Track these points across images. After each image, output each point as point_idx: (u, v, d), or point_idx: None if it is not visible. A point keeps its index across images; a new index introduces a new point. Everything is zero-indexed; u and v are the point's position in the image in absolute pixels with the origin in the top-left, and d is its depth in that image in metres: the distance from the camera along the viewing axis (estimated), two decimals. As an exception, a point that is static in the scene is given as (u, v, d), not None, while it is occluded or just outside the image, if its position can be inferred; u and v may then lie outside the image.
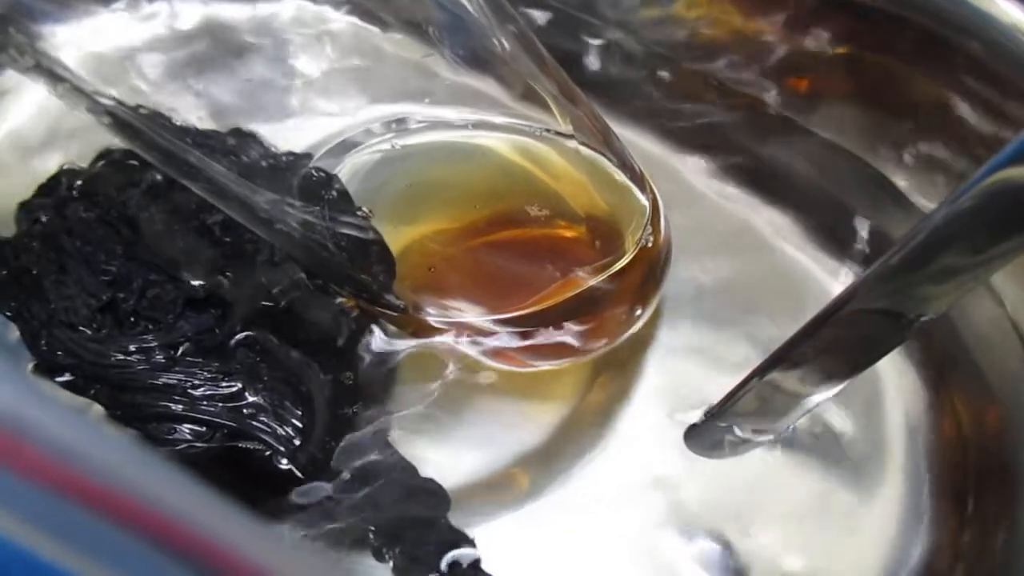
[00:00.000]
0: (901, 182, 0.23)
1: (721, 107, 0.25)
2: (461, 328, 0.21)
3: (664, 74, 0.26)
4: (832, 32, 0.23)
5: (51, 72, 0.15)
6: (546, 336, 0.20)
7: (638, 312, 0.22)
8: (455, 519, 0.19)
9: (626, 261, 0.21)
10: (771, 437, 0.20)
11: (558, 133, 0.22)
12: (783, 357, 0.18)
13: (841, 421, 0.21)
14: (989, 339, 0.21)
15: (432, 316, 0.21)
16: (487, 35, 0.20)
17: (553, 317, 0.20)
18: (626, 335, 0.22)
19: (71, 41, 0.17)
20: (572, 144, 0.22)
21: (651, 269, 0.21)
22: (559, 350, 0.21)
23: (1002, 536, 0.18)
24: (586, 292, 0.20)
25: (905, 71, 0.22)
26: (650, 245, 0.21)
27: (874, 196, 0.24)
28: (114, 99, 0.17)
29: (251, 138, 0.21)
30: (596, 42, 0.26)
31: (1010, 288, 0.21)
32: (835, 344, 0.17)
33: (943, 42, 0.21)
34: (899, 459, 0.20)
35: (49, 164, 0.23)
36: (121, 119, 0.17)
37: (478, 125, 0.22)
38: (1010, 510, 0.18)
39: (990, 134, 0.20)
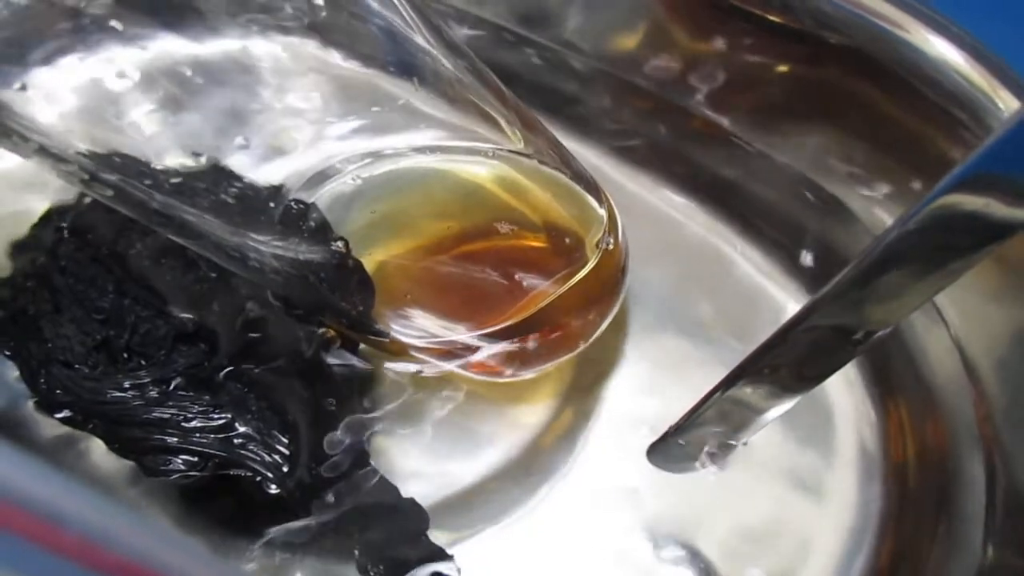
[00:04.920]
0: (851, 201, 0.24)
1: (674, 127, 0.26)
2: (443, 347, 0.22)
3: (616, 95, 0.27)
4: (774, 55, 0.24)
5: (23, 138, 0.16)
6: (528, 344, 0.22)
7: (608, 309, 0.23)
8: (435, 535, 0.20)
9: (592, 265, 0.22)
10: (729, 451, 0.21)
11: (517, 152, 0.23)
12: (743, 373, 0.19)
13: (794, 435, 0.22)
14: (933, 358, 0.22)
15: (414, 338, 0.22)
16: (445, 70, 0.21)
17: (533, 325, 0.21)
18: (601, 329, 0.23)
19: (42, 94, 0.18)
20: (529, 161, 0.22)
21: (615, 269, 0.23)
22: (542, 355, 0.22)
23: (937, 549, 0.20)
24: (560, 297, 0.21)
25: (850, 94, 0.23)
26: (611, 247, 0.22)
27: (823, 214, 0.25)
28: (87, 153, 0.17)
29: (229, 173, 0.22)
30: (542, 62, 0.27)
31: (953, 311, 0.22)
32: (792, 359, 0.18)
33: (882, 69, 0.22)
34: (849, 471, 0.21)
35: (39, 202, 0.23)
36: (97, 177, 0.17)
37: (441, 150, 0.23)
38: (947, 524, 0.20)
39: (933, 157, 0.22)
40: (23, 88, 0.16)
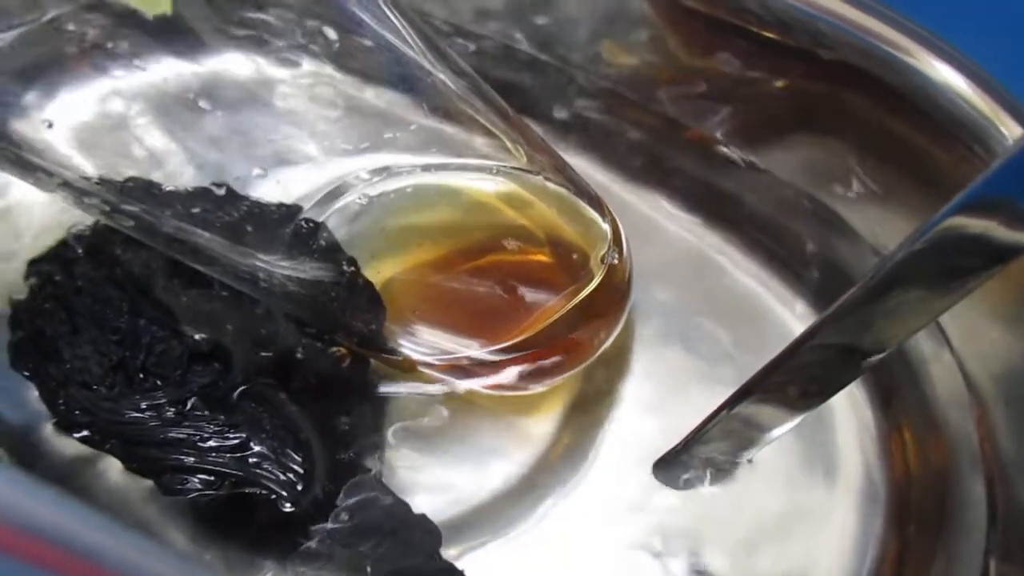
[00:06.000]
0: (854, 220, 0.25)
1: (678, 145, 0.27)
2: (453, 363, 0.22)
3: (618, 113, 0.27)
4: (774, 72, 0.24)
5: (48, 173, 0.16)
6: (535, 359, 0.22)
7: (614, 323, 0.23)
8: (447, 552, 0.21)
9: (599, 279, 0.22)
10: (734, 468, 0.22)
11: (521, 169, 0.23)
12: (749, 391, 0.19)
13: (798, 452, 0.22)
14: (936, 377, 0.23)
15: (424, 355, 0.22)
16: (450, 91, 0.22)
17: (540, 341, 0.22)
18: (607, 343, 0.23)
19: (65, 128, 0.18)
20: (534, 177, 0.23)
21: (620, 283, 0.23)
22: (549, 370, 0.22)
23: (939, 567, 0.20)
24: (567, 313, 0.22)
25: (854, 113, 0.23)
26: (616, 262, 0.23)
27: (827, 233, 0.25)
28: (107, 183, 0.18)
29: (242, 195, 0.23)
30: (542, 81, 0.28)
31: (956, 330, 0.22)
32: (798, 378, 0.18)
33: (884, 90, 0.22)
34: (851, 488, 0.22)
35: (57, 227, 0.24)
36: (119, 208, 0.17)
37: (447, 168, 0.23)
38: (949, 541, 0.20)
39: (936, 178, 0.22)
40: (50, 125, 0.16)
